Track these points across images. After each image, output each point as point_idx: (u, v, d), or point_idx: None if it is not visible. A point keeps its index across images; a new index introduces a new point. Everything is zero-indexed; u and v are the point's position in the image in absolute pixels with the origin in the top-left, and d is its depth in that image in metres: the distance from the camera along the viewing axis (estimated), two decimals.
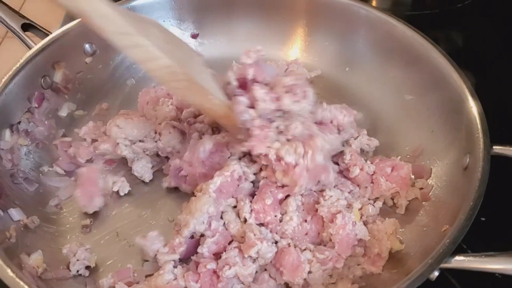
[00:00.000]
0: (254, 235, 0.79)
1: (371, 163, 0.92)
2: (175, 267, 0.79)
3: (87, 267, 0.82)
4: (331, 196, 0.85)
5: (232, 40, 1.18)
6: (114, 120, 0.96)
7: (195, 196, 0.83)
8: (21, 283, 0.67)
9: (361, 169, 0.90)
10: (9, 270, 0.69)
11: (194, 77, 0.76)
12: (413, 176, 0.91)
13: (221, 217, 0.84)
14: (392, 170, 0.90)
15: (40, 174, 0.95)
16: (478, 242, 0.81)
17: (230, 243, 0.82)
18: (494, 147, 0.79)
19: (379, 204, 0.88)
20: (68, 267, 0.81)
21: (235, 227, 0.83)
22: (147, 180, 0.96)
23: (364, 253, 0.82)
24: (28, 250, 0.80)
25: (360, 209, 0.86)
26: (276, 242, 0.82)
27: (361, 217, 0.85)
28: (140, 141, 0.95)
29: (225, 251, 0.80)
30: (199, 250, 0.80)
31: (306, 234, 0.83)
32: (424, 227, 0.84)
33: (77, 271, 0.81)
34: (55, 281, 0.79)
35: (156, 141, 0.96)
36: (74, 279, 0.81)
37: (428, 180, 0.90)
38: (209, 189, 0.81)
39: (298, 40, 1.16)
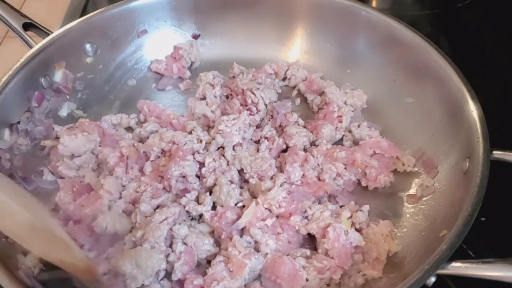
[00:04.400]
0: (239, 252, 0.78)
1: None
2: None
3: None
4: (314, 213, 0.84)
5: (233, 41, 1.18)
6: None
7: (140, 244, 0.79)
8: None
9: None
10: (3, 271, 0.69)
11: (55, 231, 0.71)
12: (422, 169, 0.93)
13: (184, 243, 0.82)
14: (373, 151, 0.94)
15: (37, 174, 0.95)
16: (478, 242, 0.81)
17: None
18: (494, 152, 0.78)
19: (366, 207, 0.87)
20: None
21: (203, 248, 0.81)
22: None
23: (362, 259, 0.82)
24: (25, 250, 0.79)
25: (350, 217, 0.85)
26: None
27: (352, 225, 0.84)
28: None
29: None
30: (173, 278, 0.78)
31: (290, 242, 0.83)
32: (423, 232, 0.83)
33: None
34: (51, 282, 0.78)
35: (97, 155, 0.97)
36: (69, 280, 0.80)
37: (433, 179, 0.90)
38: (159, 241, 0.79)
39: (299, 42, 1.16)
